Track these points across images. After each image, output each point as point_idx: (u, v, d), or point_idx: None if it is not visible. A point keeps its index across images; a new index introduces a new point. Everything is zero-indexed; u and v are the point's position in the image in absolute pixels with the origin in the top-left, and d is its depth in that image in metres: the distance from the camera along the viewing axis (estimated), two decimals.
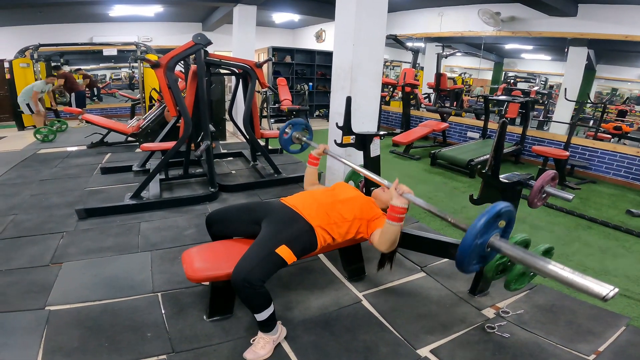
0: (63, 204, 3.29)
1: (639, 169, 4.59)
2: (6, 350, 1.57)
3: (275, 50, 8.98)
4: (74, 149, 5.55)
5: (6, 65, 7.08)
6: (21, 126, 6.94)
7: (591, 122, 6.45)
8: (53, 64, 8.42)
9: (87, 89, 9.08)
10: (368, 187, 2.66)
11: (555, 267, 1.03)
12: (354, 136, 2.69)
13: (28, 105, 6.44)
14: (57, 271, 2.21)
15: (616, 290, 0.93)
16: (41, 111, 6.62)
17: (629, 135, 5.81)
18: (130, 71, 10.17)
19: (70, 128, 7.07)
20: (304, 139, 2.81)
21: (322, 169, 2.37)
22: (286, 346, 1.68)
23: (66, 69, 8.74)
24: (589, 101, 6.18)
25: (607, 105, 5.96)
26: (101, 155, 5.16)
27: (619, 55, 6.47)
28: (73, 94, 8.08)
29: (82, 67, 9.31)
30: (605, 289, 0.94)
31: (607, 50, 6.19)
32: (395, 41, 7.31)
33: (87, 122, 5.52)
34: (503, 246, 1.18)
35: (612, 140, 5.65)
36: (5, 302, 1.90)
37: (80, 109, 6.65)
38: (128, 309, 1.88)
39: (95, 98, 9.65)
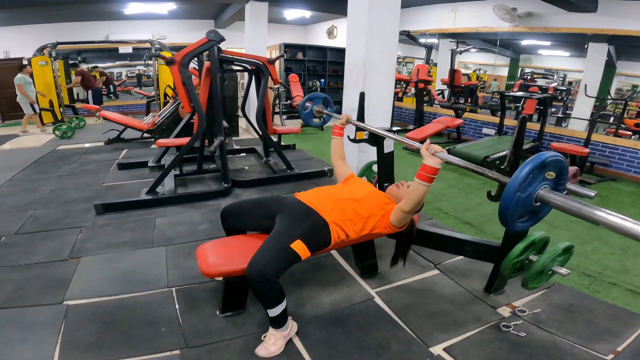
0: (81, 199, 3.36)
1: None
2: (24, 344, 1.61)
3: (287, 46, 8.96)
4: (92, 145, 5.67)
5: (25, 62, 7.25)
6: (40, 123, 7.12)
7: (611, 118, 6.26)
8: (70, 62, 8.59)
9: (103, 87, 9.25)
10: (381, 182, 2.64)
11: (617, 218, 0.96)
12: (368, 132, 2.67)
13: (31, 105, 6.37)
14: (75, 266, 2.26)
15: None
16: (36, 110, 6.51)
17: None
18: (144, 68, 10.30)
19: (87, 125, 7.21)
20: (325, 111, 2.81)
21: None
22: (297, 342, 1.68)
23: (83, 66, 8.92)
24: (609, 97, 6.01)
25: (628, 102, 5.77)
26: (118, 151, 5.26)
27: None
28: (90, 91, 8.25)
29: (98, 65, 9.48)
30: None
31: (628, 47, 5.97)
32: (408, 37, 7.22)
33: (104, 118, 5.62)
34: (554, 198, 1.08)
35: (632, 137, 5.47)
36: (25, 296, 1.95)
37: (97, 106, 6.78)
38: (143, 304, 1.91)
39: (111, 95, 9.82)
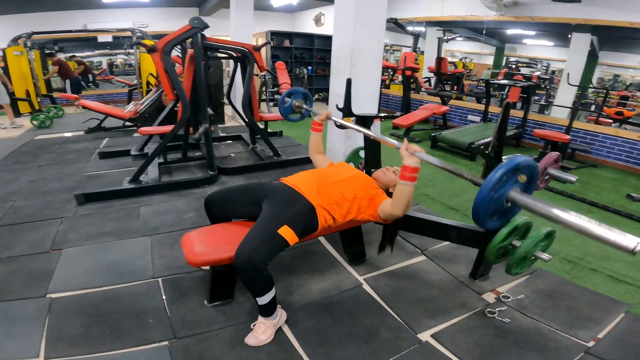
0: (62, 189, 3.27)
1: None
2: (10, 339, 1.57)
3: (274, 34, 8.84)
4: (71, 134, 5.49)
5: None
6: (17, 113, 6.86)
7: (593, 107, 6.41)
8: (47, 52, 8.28)
9: (80, 76, 8.95)
10: (368, 168, 2.64)
11: (582, 221, 1.01)
12: (355, 118, 2.66)
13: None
14: (57, 257, 2.20)
15: None
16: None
17: (630, 120, 5.76)
18: (125, 57, 10.00)
19: (66, 114, 6.98)
20: (304, 106, 2.78)
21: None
22: (287, 330, 1.68)
23: (60, 56, 8.60)
24: (591, 86, 6.13)
25: (609, 91, 5.90)
26: (99, 140, 5.12)
27: (622, 42, 6.39)
28: (68, 81, 7.97)
29: (76, 54, 9.15)
30: (633, 241, 0.93)
31: (611, 37, 6.10)
32: (395, 25, 7.19)
33: (84, 107, 5.45)
34: (523, 199, 1.14)
35: (613, 125, 5.61)
36: (7, 290, 1.89)
37: (76, 95, 6.57)
38: (129, 295, 1.88)
39: (90, 84, 9.52)
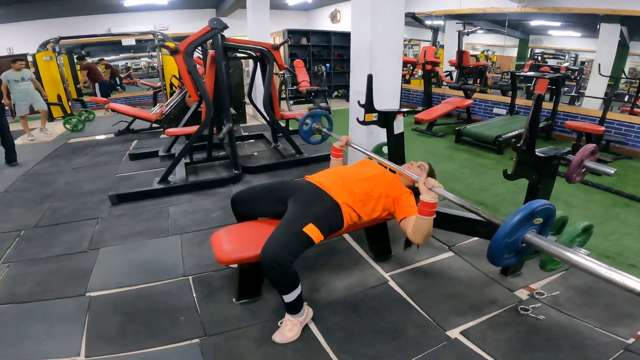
0: (96, 191, 3.40)
1: None
2: (51, 338, 1.64)
3: (291, 32, 8.86)
4: (103, 137, 5.71)
5: (29, 59, 7.20)
6: (50, 117, 7.16)
7: (626, 97, 6.10)
8: (76, 56, 8.60)
9: (110, 80, 9.27)
10: None
11: (591, 263, 1.05)
12: (377, 114, 2.63)
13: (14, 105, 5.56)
14: (95, 257, 2.30)
15: None
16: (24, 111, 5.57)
17: None
18: (149, 60, 10.26)
19: (97, 117, 7.25)
20: (324, 130, 2.78)
21: (344, 159, 2.37)
22: (313, 328, 1.69)
23: (89, 60, 8.92)
24: (624, 76, 5.84)
25: None
26: (128, 142, 5.30)
27: None
28: (97, 84, 8.26)
29: (104, 58, 9.48)
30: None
31: None
32: (413, 19, 7.05)
33: (113, 110, 5.65)
34: (538, 242, 1.17)
35: None
36: (48, 289, 1.99)
37: (105, 99, 6.80)
38: (161, 294, 1.94)
39: (118, 87, 9.85)
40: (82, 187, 3.52)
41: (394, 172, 1.99)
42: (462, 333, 1.66)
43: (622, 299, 1.88)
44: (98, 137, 5.69)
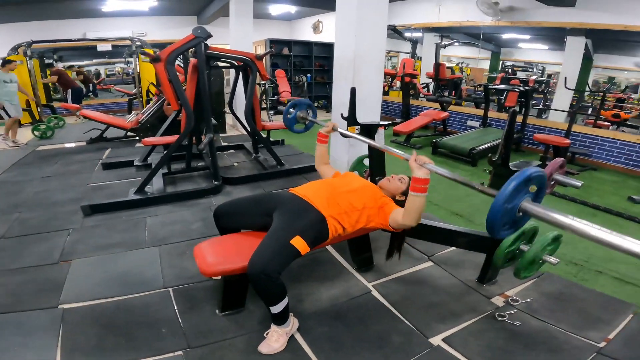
0: (67, 201, 3.28)
1: None
2: (26, 350, 1.58)
3: (273, 42, 8.90)
4: (73, 145, 5.51)
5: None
6: (18, 124, 6.86)
7: (590, 110, 6.47)
8: (47, 62, 8.30)
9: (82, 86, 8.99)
10: (373, 177, 2.67)
11: (594, 229, 1.04)
12: (359, 127, 2.69)
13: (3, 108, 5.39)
14: (67, 269, 2.21)
15: None
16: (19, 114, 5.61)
17: (627, 122, 5.83)
18: (125, 66, 10.03)
19: (67, 124, 7.00)
20: (309, 118, 2.80)
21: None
22: (299, 338, 1.69)
23: (59, 65, 8.63)
24: (588, 89, 6.20)
25: (606, 94, 5.96)
26: (101, 150, 5.13)
27: (616, 44, 6.46)
28: (69, 90, 7.99)
29: (75, 64, 9.19)
30: None
31: (605, 40, 6.18)
32: (394, 31, 7.28)
33: (85, 117, 5.46)
34: (536, 209, 1.18)
35: (611, 127, 5.67)
36: (20, 301, 1.90)
37: (77, 105, 6.59)
38: (141, 306, 1.89)
39: (90, 94, 9.56)
40: (52, 197, 3.38)
41: (375, 182, 2.03)
42: (444, 340, 1.70)
43: (591, 304, 1.99)
44: (68, 145, 5.49)
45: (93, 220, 2.91)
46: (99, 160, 4.58)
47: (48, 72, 8.04)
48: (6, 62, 5.40)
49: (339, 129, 2.35)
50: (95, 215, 2.98)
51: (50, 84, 8.05)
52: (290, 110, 2.82)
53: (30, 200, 3.31)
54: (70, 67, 9.01)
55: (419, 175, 1.56)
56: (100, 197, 3.38)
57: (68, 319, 1.78)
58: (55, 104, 7.73)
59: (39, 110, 7.04)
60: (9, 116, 5.49)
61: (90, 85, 9.59)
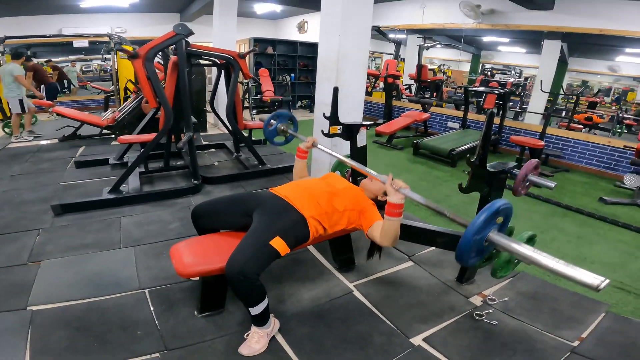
0: (37, 200, 3.14)
1: (610, 158, 4.80)
2: None
3: (257, 41, 8.82)
4: (46, 142, 5.30)
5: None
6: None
7: (564, 113, 6.69)
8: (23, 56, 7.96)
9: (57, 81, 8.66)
10: (355, 177, 2.67)
11: (551, 261, 1.11)
12: (341, 126, 2.68)
13: (21, 101, 5.39)
14: (35, 270, 2.12)
15: (607, 281, 1.00)
16: (31, 107, 5.60)
17: (599, 125, 6.06)
18: (102, 62, 9.74)
19: (40, 121, 6.72)
20: (290, 131, 2.78)
21: (308, 160, 2.37)
22: (281, 339, 1.67)
23: (35, 61, 8.28)
24: (562, 93, 6.40)
25: (579, 97, 6.19)
26: (74, 148, 4.95)
27: (590, 48, 6.70)
28: (43, 87, 7.68)
29: (51, 59, 8.85)
30: (597, 280, 1.01)
31: (580, 44, 6.41)
32: (378, 32, 7.31)
33: (59, 114, 5.26)
34: (501, 241, 1.23)
35: (583, 130, 5.88)
36: None
37: (50, 102, 6.32)
38: (115, 307, 1.83)
39: (65, 90, 9.22)
40: (21, 196, 3.23)
41: (356, 183, 2.02)
42: (424, 340, 1.72)
43: (565, 303, 2.05)
44: (41, 143, 5.27)
45: (64, 220, 2.79)
46: (72, 158, 4.41)
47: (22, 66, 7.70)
48: (18, 54, 5.47)
49: (319, 145, 2.34)
50: (67, 215, 2.86)
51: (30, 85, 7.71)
52: (272, 121, 2.78)
53: None
54: (47, 62, 8.67)
55: (394, 201, 1.57)
56: (72, 196, 3.25)
57: (37, 321, 1.71)
58: (28, 101, 7.41)
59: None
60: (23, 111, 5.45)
61: (66, 81, 9.25)
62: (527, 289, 2.16)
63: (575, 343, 1.74)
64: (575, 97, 6.03)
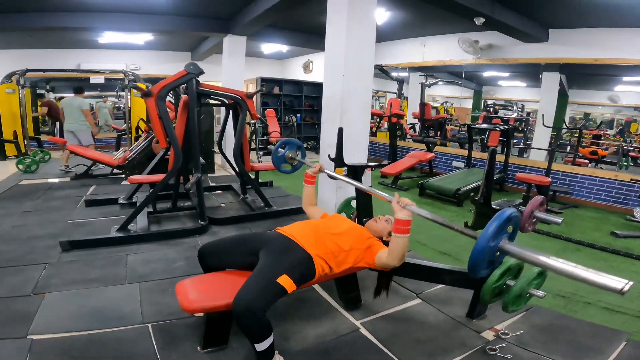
0: (46, 236, 3.17)
1: (619, 192, 4.75)
2: None
3: (264, 81, 9.02)
4: (57, 180, 5.41)
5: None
6: (3, 156, 6.73)
7: (568, 147, 6.67)
8: (38, 92, 8.24)
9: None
10: (360, 218, 2.65)
11: (569, 266, 1.07)
12: (346, 168, 2.70)
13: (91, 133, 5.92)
14: (39, 301, 2.12)
15: (631, 283, 0.96)
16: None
17: (605, 159, 6.03)
18: (116, 100, 10.05)
19: (53, 158, 6.91)
20: (297, 158, 2.82)
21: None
22: None
23: (50, 96, 8.57)
24: (565, 127, 6.42)
25: (582, 131, 6.19)
26: (85, 187, 5.03)
27: (589, 79, 6.79)
28: (57, 123, 7.93)
29: (66, 95, 9.20)
30: (621, 283, 0.97)
31: (578, 75, 6.49)
32: (381, 71, 7.46)
33: (72, 152, 5.41)
34: (513, 249, 1.22)
35: (589, 165, 5.86)
36: None
37: (64, 139, 6.53)
38: (116, 340, 1.80)
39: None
40: (30, 232, 3.26)
41: (362, 224, 2.03)
42: None
43: (582, 334, 1.98)
44: (52, 180, 5.39)
45: (71, 255, 2.80)
46: (82, 197, 4.47)
47: (39, 102, 7.95)
48: (79, 88, 5.79)
49: (325, 170, 2.38)
50: (74, 251, 2.87)
51: (39, 117, 7.99)
52: (280, 149, 2.83)
53: (6, 233, 3.20)
54: (61, 98, 8.99)
55: (401, 217, 1.60)
56: (80, 233, 3.27)
57: (36, 349, 1.69)
58: (43, 137, 7.62)
59: (25, 142, 6.93)
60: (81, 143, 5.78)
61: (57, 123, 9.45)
62: (542, 322, 2.09)
63: None
64: (578, 131, 6.03)
